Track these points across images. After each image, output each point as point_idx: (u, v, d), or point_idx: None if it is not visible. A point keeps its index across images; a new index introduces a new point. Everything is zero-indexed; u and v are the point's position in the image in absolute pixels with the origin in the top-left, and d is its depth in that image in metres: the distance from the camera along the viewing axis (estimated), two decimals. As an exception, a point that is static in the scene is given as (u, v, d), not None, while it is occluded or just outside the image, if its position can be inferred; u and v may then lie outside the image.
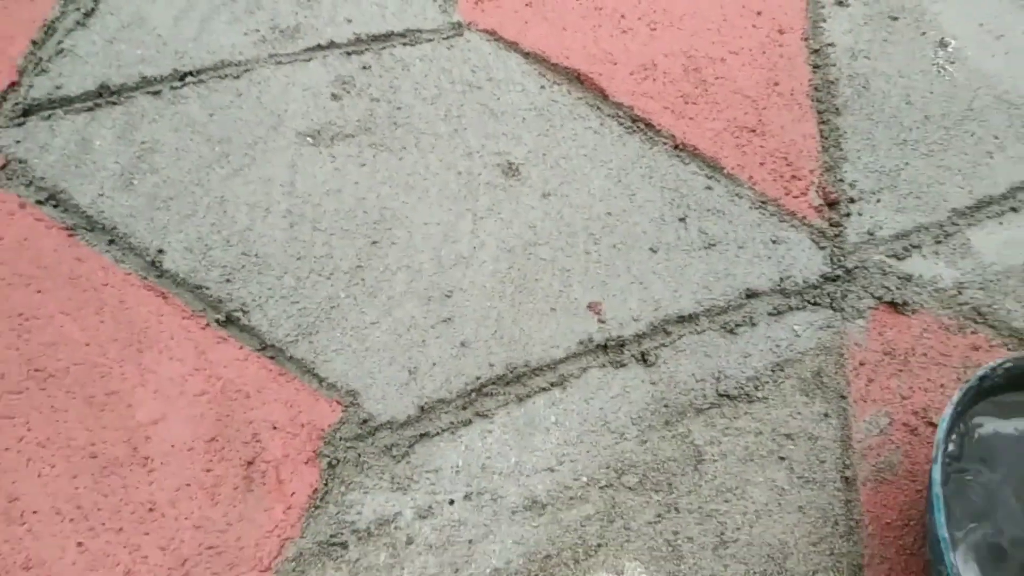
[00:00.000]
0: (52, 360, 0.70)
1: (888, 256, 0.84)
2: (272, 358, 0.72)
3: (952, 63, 1.00)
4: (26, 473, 0.65)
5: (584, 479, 0.70)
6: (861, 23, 1.02)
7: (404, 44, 0.91)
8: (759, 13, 1.00)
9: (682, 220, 0.84)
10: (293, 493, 0.67)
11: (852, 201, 0.88)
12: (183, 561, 0.63)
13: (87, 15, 0.87)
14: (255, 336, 0.73)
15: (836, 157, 0.91)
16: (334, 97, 0.86)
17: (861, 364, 0.78)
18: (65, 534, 0.64)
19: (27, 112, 0.81)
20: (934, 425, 0.75)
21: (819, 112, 0.94)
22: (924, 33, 1.02)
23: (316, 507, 0.67)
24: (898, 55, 0.99)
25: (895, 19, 1.03)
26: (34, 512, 0.64)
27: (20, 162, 0.78)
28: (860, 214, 0.87)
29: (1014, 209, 0.89)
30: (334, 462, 0.69)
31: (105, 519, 0.64)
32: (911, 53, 1.00)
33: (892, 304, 0.81)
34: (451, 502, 0.68)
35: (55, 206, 0.77)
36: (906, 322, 0.80)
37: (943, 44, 1.01)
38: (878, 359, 0.78)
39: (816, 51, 0.99)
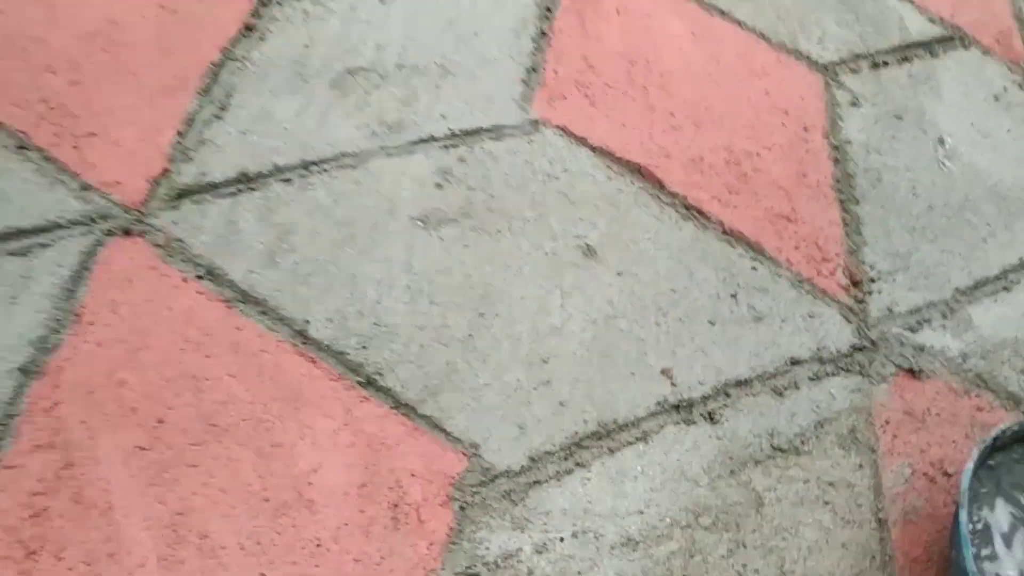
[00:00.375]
0: (225, 416, 0.84)
1: (904, 329, 1.02)
2: (406, 415, 0.86)
3: (950, 158, 1.18)
4: (213, 513, 0.79)
5: (668, 520, 0.86)
6: (872, 122, 1.20)
7: (491, 139, 1.06)
8: (787, 112, 1.17)
9: (733, 296, 1.00)
10: (433, 531, 0.81)
11: (873, 281, 1.05)
12: (351, 587, 0.77)
13: (222, 108, 1.01)
14: (391, 396, 0.87)
15: (857, 242, 1.08)
16: (437, 186, 1.01)
17: (887, 422, 0.94)
18: (250, 566, 0.78)
19: (180, 196, 0.95)
20: (948, 475, 0.92)
21: (841, 202, 1.11)
22: (925, 131, 1.20)
23: (452, 543, 0.81)
24: (904, 151, 1.18)
25: (900, 118, 1.21)
26: (223, 547, 0.78)
27: (178, 241, 0.92)
28: (880, 292, 1.04)
29: (1006, 288, 1.07)
30: (464, 505, 0.83)
31: (281, 554, 0.78)
32: (915, 149, 1.18)
33: (910, 371, 0.98)
34: (561, 539, 0.83)
35: (212, 281, 0.91)
36: (921, 387, 0.98)
37: (941, 141, 1.20)
38: (900, 418, 0.95)
39: (836, 147, 1.16)
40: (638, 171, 1.07)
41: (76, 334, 0.85)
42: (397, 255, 0.95)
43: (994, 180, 1.17)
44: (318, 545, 0.79)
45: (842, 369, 0.97)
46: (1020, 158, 1.21)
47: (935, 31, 1.33)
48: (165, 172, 0.96)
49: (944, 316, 1.03)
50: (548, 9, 1.19)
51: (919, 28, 1.32)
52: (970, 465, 0.80)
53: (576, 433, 0.88)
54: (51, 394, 0.82)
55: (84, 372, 0.83)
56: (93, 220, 0.92)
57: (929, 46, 1.31)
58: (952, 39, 1.33)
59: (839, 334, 0.99)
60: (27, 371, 0.83)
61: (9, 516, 0.76)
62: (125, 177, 0.94)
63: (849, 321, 1.00)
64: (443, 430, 0.86)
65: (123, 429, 0.81)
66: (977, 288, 1.07)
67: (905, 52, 1.29)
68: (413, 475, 0.83)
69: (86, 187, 0.93)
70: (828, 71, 1.23)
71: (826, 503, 0.88)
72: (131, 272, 0.89)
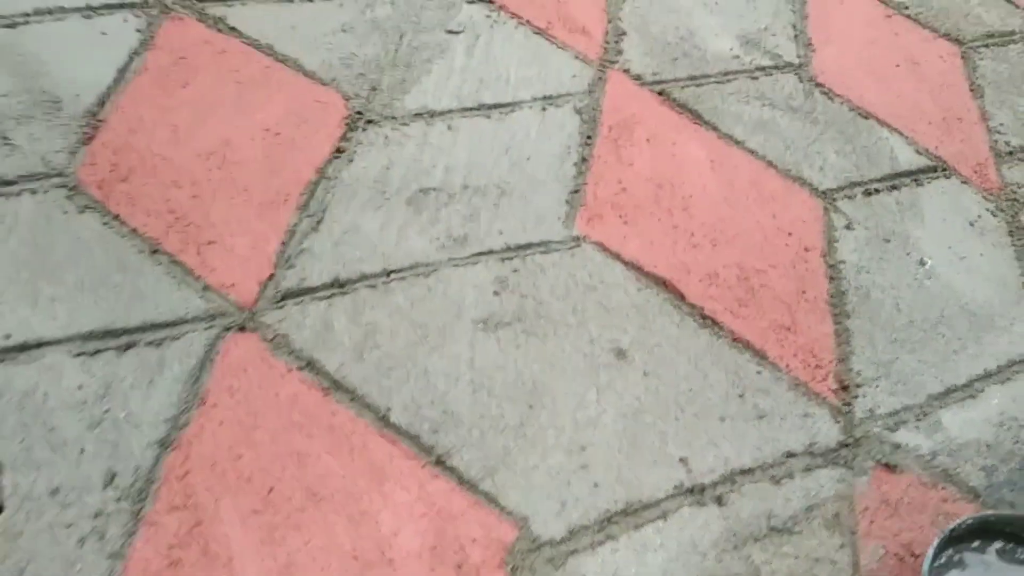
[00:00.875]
0: (323, 487, 1.04)
1: (884, 429, 1.21)
2: (469, 491, 1.06)
3: (929, 278, 1.39)
4: (313, 568, 0.99)
5: None
6: (864, 244, 1.41)
7: (540, 252, 1.27)
8: (790, 234, 1.38)
9: (741, 396, 1.21)
10: None
11: (858, 386, 1.25)
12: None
13: (318, 222, 1.22)
14: (456, 474, 1.07)
15: (847, 351, 1.28)
16: (495, 293, 1.22)
17: (866, 509, 1.14)
18: None
19: (284, 297, 1.16)
20: (915, 555, 1.11)
21: (834, 316, 1.32)
22: (908, 253, 1.41)
23: None
24: (890, 271, 1.39)
25: (888, 241, 1.42)
26: None
27: (283, 337, 1.13)
28: (864, 396, 1.24)
29: (972, 396, 1.27)
30: (515, 568, 1.03)
31: None
32: (899, 269, 1.39)
33: (887, 465, 1.18)
34: None
35: (312, 371, 1.11)
36: (896, 479, 1.17)
37: (922, 262, 1.41)
38: (877, 506, 1.15)
39: (831, 266, 1.37)
40: (663, 284, 1.28)
41: (202, 414, 1.05)
42: (462, 353, 1.15)
43: (967, 298, 1.38)
44: (398, 597, 0.98)
45: (830, 462, 1.17)
46: (990, 278, 1.41)
47: (921, 162, 1.54)
48: (271, 276, 1.17)
49: (918, 418, 1.23)
50: (589, 137, 1.41)
51: (907, 158, 1.54)
52: (929, 552, 1.00)
53: (608, 510, 1.07)
54: (183, 464, 1.02)
55: (209, 446, 1.03)
56: (214, 317, 1.12)
57: (915, 175, 1.52)
58: (935, 169, 1.54)
59: (828, 432, 1.19)
60: (164, 444, 1.03)
61: (151, 564, 0.96)
62: (239, 280, 1.15)
63: (837, 421, 1.20)
64: (499, 504, 1.06)
65: (241, 495, 1.01)
66: (948, 394, 1.27)
67: (894, 181, 1.50)
68: (474, 541, 1.03)
69: (207, 288, 1.14)
70: (827, 197, 1.45)
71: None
72: (245, 363, 1.09)
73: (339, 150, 1.29)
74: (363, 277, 1.18)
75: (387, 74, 1.39)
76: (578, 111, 1.43)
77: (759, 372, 1.21)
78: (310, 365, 1.10)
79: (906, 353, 1.28)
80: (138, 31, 1.35)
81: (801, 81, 1.59)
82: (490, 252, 1.24)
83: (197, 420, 1.04)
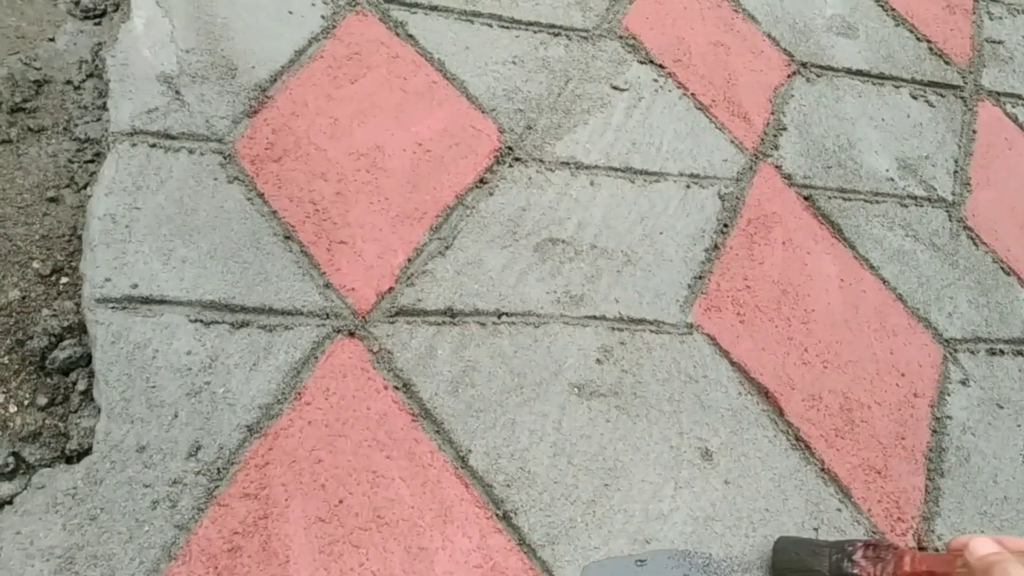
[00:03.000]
0: (390, 512, 1.04)
1: (953, 603, 1.17)
2: (526, 554, 1.06)
3: (1034, 454, 1.34)
4: (362, 589, 1.00)
5: None
6: (975, 403, 1.37)
7: (652, 331, 1.26)
8: (903, 375, 1.35)
9: (815, 530, 1.18)
10: None
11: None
12: None
13: (447, 247, 1.23)
14: (518, 533, 1.07)
15: (933, 511, 1.24)
16: (598, 361, 1.21)
17: None
18: None
19: (397, 314, 1.17)
20: None
21: (928, 471, 1.28)
22: (1020, 425, 1.36)
23: None
24: (996, 439, 1.34)
25: (1001, 407, 1.37)
26: None
27: (388, 352, 1.14)
28: (940, 563, 1.20)
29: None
30: None
31: None
32: (1007, 440, 1.34)
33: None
34: None
35: (406, 393, 1.12)
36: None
37: (1031, 439, 1.35)
38: None
39: (938, 419, 1.33)
40: (765, 394, 1.25)
41: (295, 409, 1.07)
42: (552, 413, 1.15)
43: (1071, 486, 1.32)
44: (435, 642, 0.98)
45: (890, 623, 1.13)
46: (1099, 473, 1.36)
47: (1055, 334, 1.49)
48: (391, 290, 1.18)
49: (990, 601, 1.19)
50: (726, 226, 1.39)
51: (1041, 326, 1.48)
52: None
53: (657, 611, 1.06)
54: (266, 454, 1.04)
55: (294, 443, 1.05)
56: (328, 316, 1.14)
57: (1045, 346, 1.47)
58: (1068, 344, 1.48)
59: (896, 590, 1.15)
60: (252, 429, 1.05)
61: (213, 545, 0.98)
62: (360, 286, 1.17)
63: (907, 581, 1.17)
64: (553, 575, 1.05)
65: (312, 499, 1.02)
66: (1026, 585, 1.22)
67: (1023, 347, 1.45)
68: (521, 606, 1.02)
69: (328, 285, 1.16)
70: (949, 345, 1.41)
71: None
72: (347, 369, 1.11)
73: (482, 180, 1.30)
74: (475, 312, 1.18)
75: (545, 115, 1.40)
76: (721, 197, 1.41)
77: (840, 510, 1.18)
78: (406, 387, 1.11)
79: (992, 529, 1.24)
80: (323, 17, 1.38)
81: (950, 220, 1.55)
82: (603, 318, 1.23)
83: (288, 414, 1.05)
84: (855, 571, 0.99)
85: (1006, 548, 0.81)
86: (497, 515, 1.06)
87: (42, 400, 1.04)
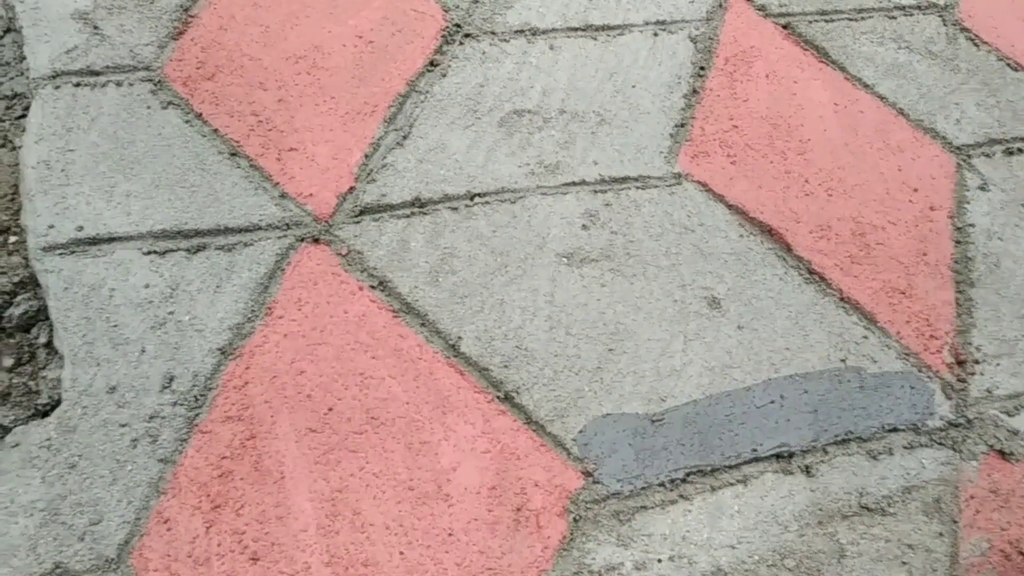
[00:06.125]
0: (383, 412, 0.98)
1: (1001, 412, 1.09)
2: (535, 431, 0.99)
3: (1070, 252, 1.24)
4: (365, 495, 0.94)
5: (756, 557, 0.96)
6: (998, 207, 1.27)
7: (637, 188, 1.18)
8: (916, 190, 1.25)
9: (843, 361, 1.10)
10: (548, 537, 0.94)
11: (976, 363, 1.13)
12: None
13: (404, 137, 1.15)
14: (524, 412, 1.00)
15: (967, 323, 1.16)
16: (584, 227, 1.13)
17: (971, 497, 1.03)
18: (392, 544, 0.92)
19: (362, 213, 1.09)
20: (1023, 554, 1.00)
21: (957, 283, 1.19)
22: None
23: (564, 550, 0.94)
24: (1026, 240, 1.24)
25: (1027, 207, 1.27)
26: (371, 524, 0.93)
27: (357, 253, 1.07)
28: (982, 374, 1.12)
29: (1108, 386, 1.13)
30: (578, 518, 0.96)
31: (419, 537, 0.93)
32: (1037, 239, 1.24)
33: (1000, 452, 1.06)
34: (659, 560, 0.95)
35: (383, 291, 1.05)
36: (1010, 468, 1.05)
37: (1064, 234, 1.25)
38: (985, 495, 1.03)
39: (959, 229, 1.24)
40: (769, 232, 1.17)
41: (267, 325, 1.01)
42: (542, 287, 1.07)
43: (1112, 278, 1.23)
44: (450, 534, 0.93)
45: (935, 442, 1.05)
46: None
47: (1075, 122, 1.38)
48: (351, 190, 1.11)
49: (1042, 404, 1.10)
50: (702, 68, 1.29)
51: (1059, 118, 1.37)
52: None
53: (683, 468, 0.99)
54: (243, 374, 0.98)
55: (271, 359, 0.99)
56: (288, 226, 1.07)
57: (1067, 137, 1.36)
58: (1091, 131, 1.37)
59: (938, 409, 1.08)
60: (225, 352, 0.99)
61: (201, 473, 0.92)
62: (317, 190, 1.10)
63: (949, 397, 1.09)
64: (566, 449, 0.98)
65: (299, 412, 0.96)
66: (1080, 382, 1.13)
67: (1041, 141, 1.35)
68: (537, 485, 0.96)
69: (284, 196, 1.09)
70: (961, 152, 1.31)
71: (903, 563, 0.97)
72: (316, 276, 1.04)
73: (433, 63, 1.21)
74: (445, 198, 1.11)
75: (491, -13, 1.30)
76: (693, 39, 1.31)
77: (866, 337, 1.10)
78: (382, 285, 1.04)
79: (1035, 332, 1.15)
80: (238, -74, 1.29)
81: (945, 24, 1.43)
82: (583, 183, 1.15)
83: (261, 330, 0.99)
84: None
85: None
86: (499, 397, 0.99)
87: (8, 362, 0.99)
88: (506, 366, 1.01)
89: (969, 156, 1.30)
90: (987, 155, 1.30)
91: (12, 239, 1.07)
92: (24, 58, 1.15)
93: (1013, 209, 1.25)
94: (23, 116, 1.15)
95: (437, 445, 0.96)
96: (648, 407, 1.01)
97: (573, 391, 1.01)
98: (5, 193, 1.09)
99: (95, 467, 0.90)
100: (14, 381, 0.97)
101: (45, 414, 0.95)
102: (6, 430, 0.94)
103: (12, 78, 1.17)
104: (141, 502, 0.89)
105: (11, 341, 1.00)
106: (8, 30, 1.22)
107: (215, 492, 0.90)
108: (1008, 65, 1.41)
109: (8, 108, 1.16)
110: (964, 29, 1.44)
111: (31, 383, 0.98)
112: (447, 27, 1.24)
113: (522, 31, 1.26)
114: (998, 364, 1.12)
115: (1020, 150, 1.32)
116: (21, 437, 0.91)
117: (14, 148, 1.12)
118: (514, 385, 1.00)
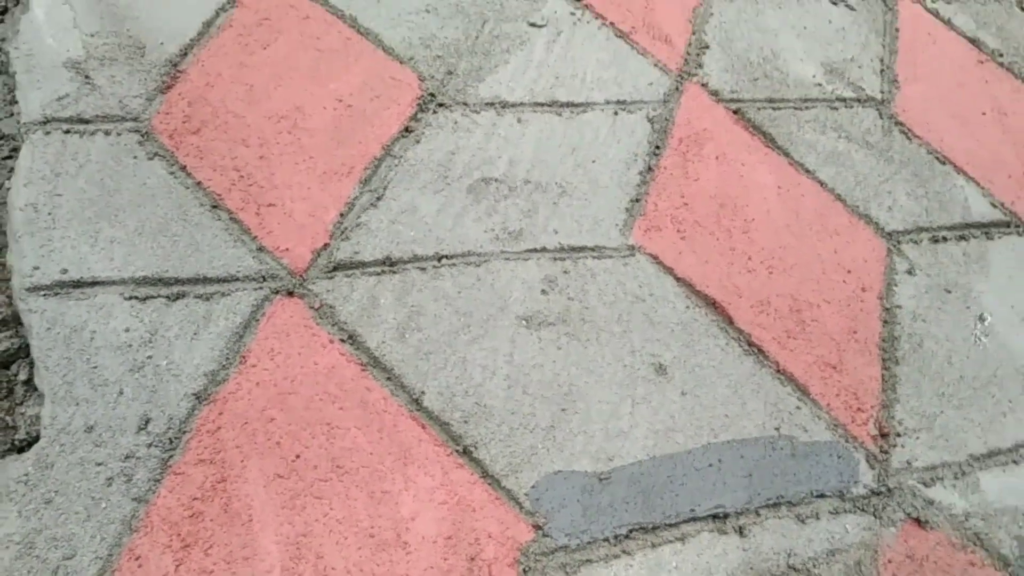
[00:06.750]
0: (348, 461, 1.04)
1: (919, 483, 1.19)
2: (491, 485, 1.06)
3: (987, 335, 1.35)
4: (328, 540, 1.00)
5: None
6: (923, 291, 1.38)
7: (593, 257, 1.26)
8: (849, 271, 1.36)
9: (777, 429, 1.19)
10: None
11: (898, 435, 1.23)
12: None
13: (378, 198, 1.23)
14: (480, 466, 1.07)
15: (891, 398, 1.26)
16: (543, 292, 1.21)
17: (889, 561, 1.12)
18: None
19: (335, 269, 1.16)
20: None
21: (883, 360, 1.29)
22: (968, 307, 1.38)
23: None
24: (947, 323, 1.35)
25: (949, 292, 1.39)
26: (333, 568, 0.98)
27: (329, 307, 1.14)
28: (903, 447, 1.22)
29: (1015, 461, 1.24)
30: (527, 569, 1.03)
31: None
32: (957, 322, 1.36)
33: (917, 520, 1.16)
34: None
35: (352, 345, 1.12)
36: (925, 535, 1.15)
37: (982, 318, 1.37)
38: (901, 560, 1.12)
39: (887, 309, 1.35)
40: (713, 305, 1.26)
41: (241, 372, 1.07)
42: (502, 347, 1.15)
43: (1023, 361, 1.34)
44: (407, 581, 0.98)
45: (859, 508, 1.15)
46: (1051, 344, 1.37)
47: (995, 215, 1.50)
48: (326, 246, 1.17)
49: (956, 476, 1.21)
50: (657, 147, 1.39)
51: (981, 210, 1.50)
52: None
53: (627, 525, 1.07)
54: (216, 419, 1.03)
55: (243, 405, 1.04)
56: (264, 279, 1.13)
57: (987, 228, 1.48)
58: (1009, 224, 1.50)
59: (861, 477, 1.17)
60: (200, 397, 1.04)
61: (173, 513, 0.97)
62: (293, 245, 1.16)
63: (872, 467, 1.18)
64: (519, 503, 1.05)
65: (268, 457, 1.02)
66: (990, 456, 1.24)
67: (964, 231, 1.47)
68: (490, 536, 1.02)
69: (262, 249, 1.15)
70: (892, 238, 1.42)
71: (825, 622, 1.06)
72: (289, 328, 1.10)
73: (408, 129, 1.29)
74: (415, 258, 1.18)
75: (464, 59, 1.39)
76: (650, 119, 1.41)
77: (799, 407, 1.19)
78: (352, 339, 1.10)
79: (952, 408, 1.25)
80: (228, -13, 1.37)
81: (881, 117, 1.56)
82: (543, 250, 1.23)
83: (235, 378, 1.05)
84: None
85: None
86: (457, 451, 1.06)
87: (-15, 396, 1.02)
88: (466, 421, 1.08)
89: (899, 242, 1.41)
90: (915, 241, 1.42)
91: (-6, 277, 1.11)
92: (15, 101, 1.20)
93: (936, 293, 1.37)
94: (9, 157, 1.20)
95: (398, 495, 1.02)
96: (596, 466, 1.08)
97: (527, 448, 1.08)
98: (-12, 232, 1.14)
99: (71, 503, 0.94)
100: (-9, 416, 1.01)
101: (21, 449, 0.99)
102: (-19, 464, 0.98)
103: (1, 119, 1.22)
104: (114, 539, 0.93)
105: (-11, 377, 1.04)
106: (-1, 72, 1.26)
107: (185, 532, 0.95)
108: (936, 159, 1.53)
109: (-5, 149, 1.20)
110: (899, 123, 1.56)
111: (8, 418, 1.02)
112: (423, 96, 1.32)
113: (492, 103, 1.35)
114: (917, 437, 1.21)
115: (945, 238, 1.44)
116: (-2, 472, 0.95)
117: (0, 187, 1.17)
118: (472, 440, 1.07)
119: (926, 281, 1.37)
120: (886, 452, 1.19)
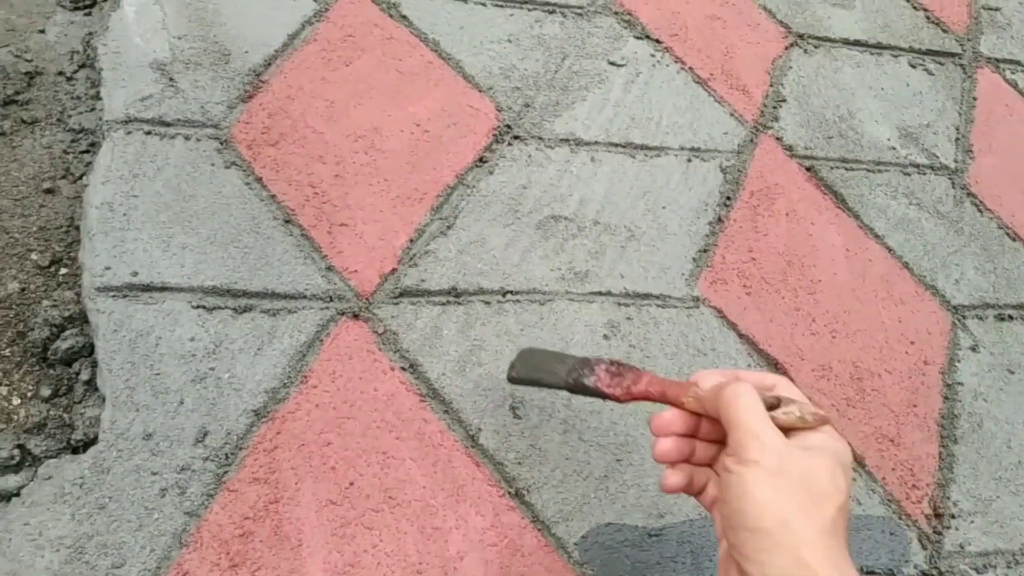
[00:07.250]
0: (401, 493, 1.03)
1: (971, 568, 1.16)
2: (541, 531, 1.05)
3: (1047, 421, 1.32)
4: (376, 572, 0.98)
5: None
6: (986, 370, 1.36)
7: (658, 305, 1.25)
8: (912, 343, 1.34)
9: (830, 499, 1.17)
10: None
11: (953, 517, 1.20)
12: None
13: (448, 227, 1.22)
14: (532, 511, 1.06)
15: (947, 478, 1.23)
16: (605, 336, 1.20)
17: (936, 647, 1.09)
18: None
19: (401, 295, 1.15)
20: None
21: (942, 437, 1.27)
22: None
23: None
24: (1009, 404, 1.33)
25: (1012, 373, 1.36)
26: None
27: (393, 333, 1.13)
28: (956, 528, 1.19)
29: (1073, 554, 1.21)
30: None
31: None
32: (1018, 405, 1.33)
33: (966, 607, 1.13)
34: None
35: (413, 374, 1.11)
36: (974, 624, 1.12)
37: (1043, 403, 1.34)
38: (948, 647, 1.10)
39: (948, 385, 1.32)
40: (775, 365, 1.24)
41: (301, 392, 1.06)
42: (561, 392, 1.14)
43: (1083, 451, 1.31)
44: (451, 622, 0.97)
45: (908, 590, 1.12)
46: (1112, 435, 1.35)
47: (1063, 297, 1.47)
48: (393, 271, 1.17)
49: (1009, 565, 1.18)
50: (728, 199, 1.38)
51: (1049, 291, 1.47)
52: None
53: (674, 584, 1.05)
54: (273, 438, 1.02)
55: (301, 426, 1.04)
56: (331, 299, 1.13)
57: (1054, 310, 1.46)
58: (1076, 308, 1.47)
59: (912, 557, 1.15)
60: (259, 414, 1.03)
61: (224, 531, 0.96)
62: (362, 268, 1.16)
63: (924, 547, 1.16)
64: (568, 552, 1.04)
65: (322, 482, 1.01)
66: (1044, 547, 1.21)
67: (1030, 311, 1.44)
68: (536, 584, 1.01)
69: (331, 268, 1.15)
70: (957, 312, 1.40)
71: None
72: (352, 351, 1.10)
73: (482, 159, 1.28)
74: (480, 291, 1.17)
75: (543, 93, 1.38)
76: (723, 169, 1.40)
77: (853, 479, 1.17)
78: (413, 367, 1.10)
79: (1009, 494, 1.23)
80: (315, 1, 1.37)
81: (954, 187, 1.54)
82: (608, 294, 1.22)
83: (295, 397, 1.04)
84: (592, 381, 0.96)
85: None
86: (510, 493, 1.05)
87: (45, 391, 1.03)
88: (520, 463, 1.06)
89: (964, 317, 1.39)
90: (980, 318, 1.40)
91: (63, 271, 1.11)
92: (98, 96, 1.21)
93: (999, 373, 1.34)
94: (87, 151, 1.20)
95: (448, 532, 1.01)
96: (648, 521, 1.07)
97: (580, 496, 1.06)
98: (61, 224, 1.14)
99: (124, 511, 0.94)
100: (51, 412, 1.01)
101: (76, 450, 0.99)
102: (37, 460, 0.98)
103: (82, 113, 1.23)
104: (164, 552, 0.93)
105: (52, 372, 1.04)
106: (83, 65, 1.27)
107: (235, 551, 0.94)
108: (1007, 234, 1.51)
109: (74, 141, 1.21)
110: (971, 194, 1.54)
111: (66, 416, 1.02)
112: (499, 126, 1.32)
113: (567, 140, 1.34)
114: (972, 521, 1.19)
115: (1011, 317, 1.42)
116: (55, 471, 0.95)
117: (75, 180, 1.17)
118: (526, 483, 1.05)
119: (990, 359, 1.35)
120: (939, 533, 1.17)
